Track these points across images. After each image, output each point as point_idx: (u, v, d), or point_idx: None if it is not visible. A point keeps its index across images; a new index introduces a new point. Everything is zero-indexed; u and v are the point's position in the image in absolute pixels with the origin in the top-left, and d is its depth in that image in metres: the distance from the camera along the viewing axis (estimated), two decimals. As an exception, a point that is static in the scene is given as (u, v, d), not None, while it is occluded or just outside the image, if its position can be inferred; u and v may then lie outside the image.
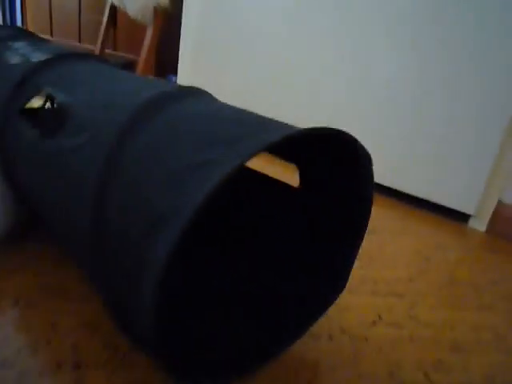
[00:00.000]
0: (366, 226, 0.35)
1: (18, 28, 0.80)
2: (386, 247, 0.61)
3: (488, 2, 0.69)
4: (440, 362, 0.38)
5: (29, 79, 0.45)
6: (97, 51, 1.78)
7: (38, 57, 0.52)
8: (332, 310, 0.42)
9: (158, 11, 1.20)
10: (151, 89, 0.35)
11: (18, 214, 0.47)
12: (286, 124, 0.30)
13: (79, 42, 2.72)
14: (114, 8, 1.48)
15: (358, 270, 0.52)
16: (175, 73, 1.98)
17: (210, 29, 1.09)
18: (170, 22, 1.35)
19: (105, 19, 1.61)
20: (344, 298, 0.45)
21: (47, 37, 3.04)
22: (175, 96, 0.34)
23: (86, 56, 0.52)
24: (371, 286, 0.49)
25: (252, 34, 1.00)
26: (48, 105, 0.40)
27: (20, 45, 0.60)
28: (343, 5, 0.84)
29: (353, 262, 0.37)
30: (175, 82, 1.76)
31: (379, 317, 0.43)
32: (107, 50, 1.99)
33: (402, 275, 0.54)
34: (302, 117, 0.94)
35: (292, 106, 0.96)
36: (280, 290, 0.40)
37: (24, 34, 0.71)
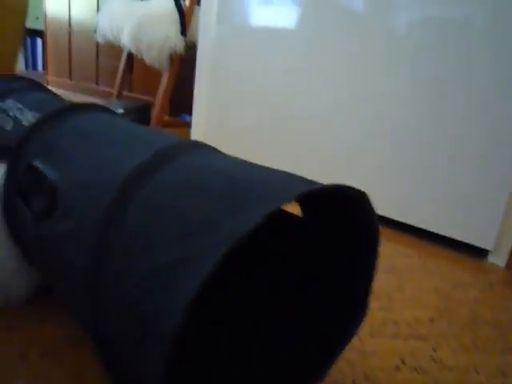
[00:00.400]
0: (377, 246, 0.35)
1: (11, 76, 0.82)
2: (405, 286, 0.61)
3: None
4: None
5: (21, 151, 0.45)
6: (115, 93, 1.85)
7: (28, 119, 0.52)
8: (354, 355, 0.42)
9: (173, 57, 1.26)
10: (134, 156, 0.34)
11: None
12: (289, 176, 0.29)
13: (96, 84, 2.85)
14: (130, 54, 1.55)
15: (379, 312, 0.52)
16: (189, 111, 2.04)
17: (222, 71, 1.13)
18: (182, 63, 1.41)
19: (122, 64, 1.69)
20: (366, 342, 0.45)
21: (66, 80, 3.18)
22: (158, 163, 0.33)
23: (80, 108, 0.50)
24: (393, 329, 0.49)
25: (264, 75, 1.03)
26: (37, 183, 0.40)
27: (10, 104, 0.61)
28: (355, 49, 0.88)
29: (370, 287, 0.36)
30: (189, 120, 1.82)
31: (402, 361, 0.43)
32: (124, 92, 2.07)
33: (422, 316, 0.53)
34: (315, 158, 0.96)
35: (305, 149, 0.98)
36: (295, 330, 0.40)
37: (16, 84, 0.70)
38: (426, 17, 0.79)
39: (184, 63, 1.40)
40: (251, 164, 0.33)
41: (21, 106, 0.58)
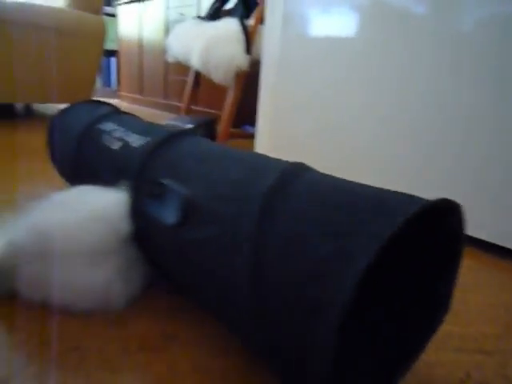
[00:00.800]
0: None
1: (97, 102, 0.96)
2: (470, 300, 0.62)
3: None
4: (535, 425, 0.38)
5: (143, 169, 0.54)
6: (183, 109, 1.98)
7: (135, 141, 0.61)
8: (419, 366, 0.44)
9: (239, 75, 1.34)
10: (263, 175, 0.42)
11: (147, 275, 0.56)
12: (396, 192, 0.35)
13: (165, 99, 3.04)
14: (198, 72, 1.66)
15: (444, 325, 0.53)
16: (249, 122, 2.12)
17: (285, 84, 1.18)
18: (247, 79, 1.48)
19: (190, 81, 1.80)
20: (431, 354, 0.47)
21: (137, 95, 3.42)
22: (291, 179, 0.40)
23: (181, 135, 0.60)
24: (458, 342, 0.50)
25: (326, 85, 1.06)
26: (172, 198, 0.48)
27: (110, 126, 0.72)
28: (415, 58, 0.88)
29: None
30: (251, 131, 1.90)
31: (468, 375, 0.44)
32: (192, 106, 2.20)
33: (489, 331, 0.54)
34: (385, 167, 0.97)
35: (371, 158, 1.00)
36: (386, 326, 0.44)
37: (106, 110, 0.85)
38: (491, 15, 0.77)
39: (249, 74, 1.47)
40: (355, 182, 0.40)
41: (123, 129, 0.67)
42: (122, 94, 3.70)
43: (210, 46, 1.33)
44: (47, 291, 0.51)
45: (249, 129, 2.06)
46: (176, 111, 2.86)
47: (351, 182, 0.40)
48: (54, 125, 0.90)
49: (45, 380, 0.40)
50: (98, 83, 3.87)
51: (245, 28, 1.32)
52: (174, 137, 0.58)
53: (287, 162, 0.45)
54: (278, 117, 1.22)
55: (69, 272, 0.49)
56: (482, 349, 0.49)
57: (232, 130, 2.25)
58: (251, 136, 1.62)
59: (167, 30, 2.81)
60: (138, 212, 0.52)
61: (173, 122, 1.62)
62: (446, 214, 0.37)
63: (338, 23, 1.02)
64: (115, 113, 0.80)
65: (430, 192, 0.88)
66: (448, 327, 0.53)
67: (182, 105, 1.95)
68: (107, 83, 3.97)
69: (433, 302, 0.42)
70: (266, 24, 1.22)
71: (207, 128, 1.63)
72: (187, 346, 0.46)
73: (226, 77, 1.34)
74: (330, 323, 0.28)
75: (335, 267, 0.30)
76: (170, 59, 1.67)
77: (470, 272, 0.72)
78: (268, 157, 0.49)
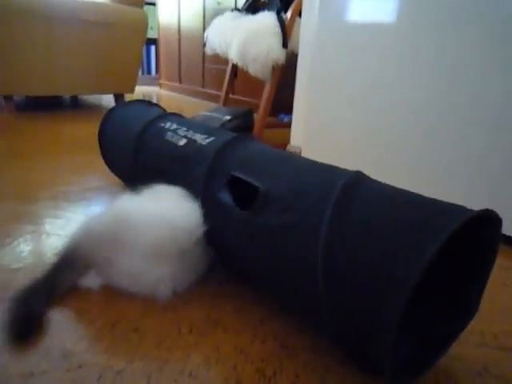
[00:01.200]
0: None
1: (147, 102, 1.05)
2: (496, 298, 0.64)
3: None
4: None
5: (215, 164, 0.62)
6: (222, 100, 2.03)
7: (199, 138, 0.69)
8: (440, 359, 0.49)
9: (275, 68, 1.37)
10: (336, 177, 0.49)
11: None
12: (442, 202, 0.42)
13: (202, 87, 3.10)
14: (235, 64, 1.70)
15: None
16: (285, 111, 2.14)
17: (321, 75, 1.20)
18: (284, 68, 1.50)
19: (228, 73, 1.84)
20: (452, 348, 0.51)
21: (176, 83, 3.50)
22: (361, 180, 0.48)
23: (244, 138, 0.68)
24: (478, 338, 0.54)
25: (362, 75, 1.07)
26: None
27: (170, 125, 0.80)
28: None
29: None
30: (285, 120, 1.93)
31: (485, 368, 0.48)
32: (229, 95, 2.24)
33: (510, 329, 0.56)
34: (416, 159, 0.99)
35: (404, 151, 1.01)
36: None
37: (155, 108, 0.97)
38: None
39: (287, 65, 1.49)
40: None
41: (184, 128, 0.77)
42: (162, 81, 3.80)
43: (248, 40, 1.36)
44: (110, 275, 0.59)
45: (283, 118, 2.09)
46: (214, 100, 2.92)
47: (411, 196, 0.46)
48: (106, 123, 0.99)
49: (113, 354, 0.48)
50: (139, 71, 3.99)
51: (281, 21, 1.34)
52: (238, 138, 0.67)
53: (348, 170, 0.53)
54: (313, 109, 1.24)
55: (131, 262, 0.56)
56: (501, 345, 0.53)
57: (267, 118, 2.29)
58: (286, 125, 1.66)
59: (205, 19, 2.85)
60: (210, 203, 0.60)
61: (211, 113, 1.68)
62: (487, 222, 0.42)
63: (377, 9, 1.00)
64: (168, 113, 0.89)
65: (476, 191, 0.89)
66: (470, 323, 0.57)
67: (221, 94, 2.00)
68: (147, 71, 4.08)
69: (464, 301, 0.46)
70: (303, 16, 1.23)
71: (244, 119, 1.68)
72: (228, 332, 0.53)
73: (263, 70, 1.37)
74: (404, 294, 0.35)
75: (409, 247, 0.37)
76: (209, 52, 1.72)
77: (501, 270, 0.74)
78: (329, 164, 0.56)
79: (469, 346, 0.52)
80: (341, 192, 0.45)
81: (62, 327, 0.52)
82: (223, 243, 0.59)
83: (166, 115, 0.87)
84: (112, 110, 1.00)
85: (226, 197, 0.58)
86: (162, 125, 0.81)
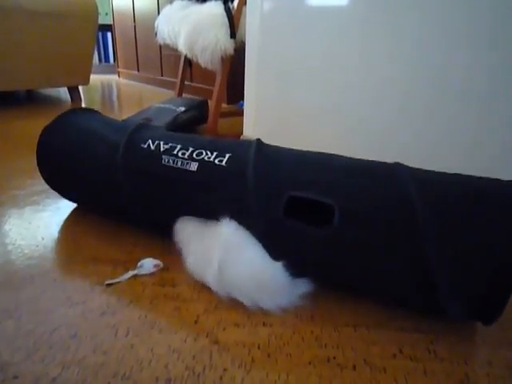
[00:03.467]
0: None
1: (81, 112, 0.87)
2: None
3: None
4: (445, 392, 0.46)
5: (259, 188, 0.60)
6: (177, 86, 2.01)
7: (212, 157, 0.65)
8: (359, 344, 0.52)
9: (224, 59, 1.36)
10: (396, 182, 0.56)
11: None
12: None
13: (161, 75, 3.05)
14: (187, 54, 1.68)
15: (389, 307, 0.61)
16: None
17: (271, 60, 1.19)
18: (238, 52, 1.49)
19: (181, 65, 1.82)
20: (372, 334, 0.55)
21: (134, 71, 3.42)
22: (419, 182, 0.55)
23: (261, 145, 0.67)
24: (400, 323, 0.58)
25: (313, 57, 1.08)
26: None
27: (157, 145, 0.69)
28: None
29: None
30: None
31: (400, 351, 0.52)
32: (186, 82, 2.22)
33: (429, 312, 0.61)
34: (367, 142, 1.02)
35: (355, 132, 1.04)
36: None
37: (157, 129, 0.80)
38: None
39: (240, 52, 1.48)
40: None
41: (179, 145, 0.68)
42: (120, 70, 3.70)
43: (195, 30, 1.35)
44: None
45: (243, 105, 2.09)
46: (173, 88, 2.87)
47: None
48: (45, 150, 0.81)
49: (50, 362, 0.49)
50: (95, 60, 3.86)
51: (228, 11, 1.34)
52: (259, 149, 0.64)
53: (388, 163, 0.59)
54: (264, 97, 1.24)
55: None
56: (419, 328, 0.57)
57: (226, 107, 2.28)
58: (242, 113, 1.66)
59: (159, 5, 2.78)
60: (273, 230, 0.58)
61: (165, 105, 1.66)
62: None
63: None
64: (138, 127, 0.76)
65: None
66: (392, 309, 0.61)
67: (176, 84, 1.98)
68: (105, 59, 3.95)
69: None
70: (248, 3, 1.22)
71: (199, 110, 1.68)
72: (164, 332, 0.55)
73: (213, 61, 1.36)
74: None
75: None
76: (160, 41, 1.69)
77: None
78: (374, 161, 0.60)
79: (390, 331, 0.56)
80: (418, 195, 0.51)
81: (0, 339, 0.52)
82: (298, 264, 0.60)
83: (136, 130, 0.74)
84: (45, 136, 0.81)
85: (295, 222, 0.57)
86: (144, 146, 0.70)
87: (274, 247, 0.59)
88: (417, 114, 0.92)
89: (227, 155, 0.64)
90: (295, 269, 0.59)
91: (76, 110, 0.87)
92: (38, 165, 0.83)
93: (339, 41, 1.01)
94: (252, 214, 0.59)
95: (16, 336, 0.53)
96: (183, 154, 0.66)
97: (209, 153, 0.65)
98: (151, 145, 0.70)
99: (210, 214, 0.63)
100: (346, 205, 0.54)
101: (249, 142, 0.67)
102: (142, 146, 0.70)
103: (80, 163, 0.75)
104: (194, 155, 0.65)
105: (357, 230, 0.53)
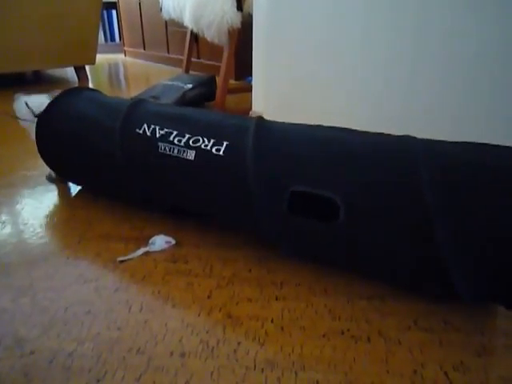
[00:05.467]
0: None
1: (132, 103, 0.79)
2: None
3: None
4: (461, 363, 0.46)
5: (261, 178, 0.57)
6: (184, 62, 1.98)
7: (209, 146, 0.62)
8: (373, 316, 0.52)
9: (231, 33, 1.33)
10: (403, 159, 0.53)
11: None
12: None
13: (168, 52, 3.00)
14: (193, 29, 1.64)
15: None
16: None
17: (278, 35, 1.16)
18: (246, 26, 1.45)
19: (187, 41, 1.79)
20: (386, 306, 0.54)
21: (140, 49, 3.37)
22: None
23: (261, 125, 0.64)
24: (414, 294, 0.57)
25: (320, 30, 1.05)
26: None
27: (153, 130, 0.67)
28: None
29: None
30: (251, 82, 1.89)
31: (415, 322, 0.52)
32: (193, 59, 2.19)
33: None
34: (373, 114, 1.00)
35: (361, 105, 1.02)
36: None
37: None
38: None
39: (249, 26, 1.44)
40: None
41: (175, 131, 0.65)
42: (126, 48, 3.65)
43: (201, 3, 1.31)
44: None
45: (251, 80, 2.05)
46: (180, 65, 2.83)
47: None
48: (43, 143, 0.81)
49: (65, 338, 0.49)
50: (101, 39, 3.81)
51: (234, -18, 1.29)
52: (258, 135, 0.60)
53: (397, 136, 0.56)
54: (273, 69, 1.22)
55: None
56: (433, 299, 0.56)
57: (233, 82, 2.24)
58: (251, 89, 1.63)
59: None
60: (279, 222, 0.56)
61: (172, 82, 1.64)
62: None
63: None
64: (135, 105, 0.74)
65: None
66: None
67: (183, 61, 1.95)
68: (111, 38, 3.90)
69: None
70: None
71: (207, 86, 1.65)
72: (177, 306, 0.55)
73: (220, 35, 1.33)
74: None
75: None
76: (165, 17, 1.65)
77: None
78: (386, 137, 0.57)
79: (404, 302, 0.55)
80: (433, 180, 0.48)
81: (16, 316, 0.53)
82: (308, 254, 0.60)
83: (130, 113, 0.72)
84: (43, 120, 0.80)
85: (300, 218, 0.55)
86: (139, 131, 0.68)
87: (279, 242, 0.58)
88: (425, 83, 0.89)
89: (225, 143, 0.61)
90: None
91: (67, 93, 0.83)
92: (39, 153, 0.83)
93: (346, 11, 0.97)
94: (254, 209, 0.57)
95: (32, 313, 0.54)
96: (179, 141, 0.64)
97: (206, 140, 0.62)
98: (147, 130, 0.68)
99: (210, 206, 0.63)
100: (352, 200, 0.51)
101: (247, 124, 0.63)
102: (138, 131, 0.68)
103: (77, 154, 0.76)
104: (191, 143, 0.63)
105: (361, 224, 0.51)
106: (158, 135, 0.66)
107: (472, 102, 0.82)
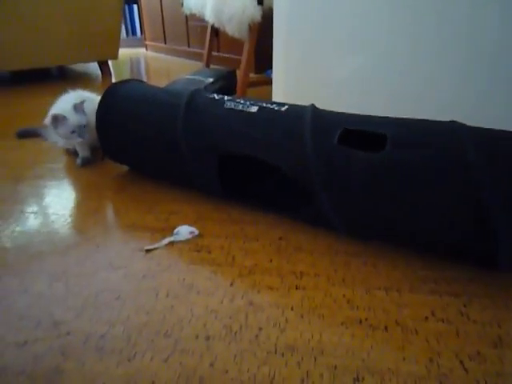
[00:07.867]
0: None
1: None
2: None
3: None
4: (478, 353, 0.47)
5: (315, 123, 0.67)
6: (204, 56, 2.00)
7: (271, 106, 0.74)
8: (391, 306, 0.53)
9: (251, 27, 1.34)
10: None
11: None
12: None
13: (188, 46, 3.03)
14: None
15: (421, 271, 0.61)
16: (272, 67, 2.11)
17: (298, 29, 1.17)
18: (266, 20, 1.46)
19: (208, 35, 1.80)
20: (403, 297, 0.55)
21: (161, 44, 3.41)
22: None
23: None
24: (432, 286, 0.58)
25: (340, 25, 1.05)
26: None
27: (220, 97, 0.79)
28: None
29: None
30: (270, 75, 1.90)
31: (432, 313, 0.53)
32: (214, 53, 2.20)
33: (462, 275, 0.61)
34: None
35: (383, 96, 1.02)
36: None
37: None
38: None
39: (268, 20, 1.45)
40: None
41: (239, 100, 0.77)
42: (147, 43, 3.69)
43: (222, -2, 1.33)
44: None
45: (270, 74, 2.06)
46: (201, 59, 2.85)
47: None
48: (104, 122, 0.88)
49: (97, 321, 0.53)
50: (123, 33, 3.87)
51: (255, -23, 1.30)
52: (315, 107, 0.72)
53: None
54: (294, 62, 1.22)
55: None
56: (451, 291, 0.57)
57: (253, 76, 2.25)
58: (271, 82, 1.64)
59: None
60: (324, 154, 0.63)
61: (194, 76, 1.67)
62: None
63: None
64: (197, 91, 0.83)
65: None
66: (425, 272, 0.61)
67: (203, 55, 1.97)
68: (132, 32, 3.95)
69: None
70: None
71: (228, 80, 1.67)
72: (202, 294, 0.58)
73: (240, 30, 1.35)
74: None
75: None
76: (186, 12, 1.67)
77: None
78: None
79: (421, 294, 0.57)
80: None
81: (52, 300, 0.57)
82: (344, 187, 0.63)
83: (196, 92, 0.82)
84: (104, 108, 0.88)
85: (347, 149, 0.62)
86: (207, 95, 0.81)
87: (327, 174, 0.63)
88: (451, 70, 0.88)
89: (286, 106, 0.72)
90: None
91: (125, 81, 0.93)
92: (97, 130, 0.89)
93: (369, 4, 0.97)
94: (307, 147, 0.64)
95: (66, 297, 0.57)
96: (245, 101, 0.76)
97: (268, 104, 0.74)
98: (215, 96, 0.80)
99: (268, 148, 0.69)
100: (397, 134, 0.59)
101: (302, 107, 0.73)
102: (206, 95, 0.80)
103: (142, 124, 0.82)
104: (254, 103, 0.75)
105: (406, 154, 0.57)
106: (225, 98, 0.78)
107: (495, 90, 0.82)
